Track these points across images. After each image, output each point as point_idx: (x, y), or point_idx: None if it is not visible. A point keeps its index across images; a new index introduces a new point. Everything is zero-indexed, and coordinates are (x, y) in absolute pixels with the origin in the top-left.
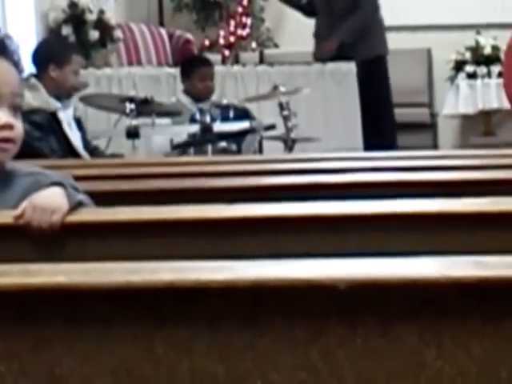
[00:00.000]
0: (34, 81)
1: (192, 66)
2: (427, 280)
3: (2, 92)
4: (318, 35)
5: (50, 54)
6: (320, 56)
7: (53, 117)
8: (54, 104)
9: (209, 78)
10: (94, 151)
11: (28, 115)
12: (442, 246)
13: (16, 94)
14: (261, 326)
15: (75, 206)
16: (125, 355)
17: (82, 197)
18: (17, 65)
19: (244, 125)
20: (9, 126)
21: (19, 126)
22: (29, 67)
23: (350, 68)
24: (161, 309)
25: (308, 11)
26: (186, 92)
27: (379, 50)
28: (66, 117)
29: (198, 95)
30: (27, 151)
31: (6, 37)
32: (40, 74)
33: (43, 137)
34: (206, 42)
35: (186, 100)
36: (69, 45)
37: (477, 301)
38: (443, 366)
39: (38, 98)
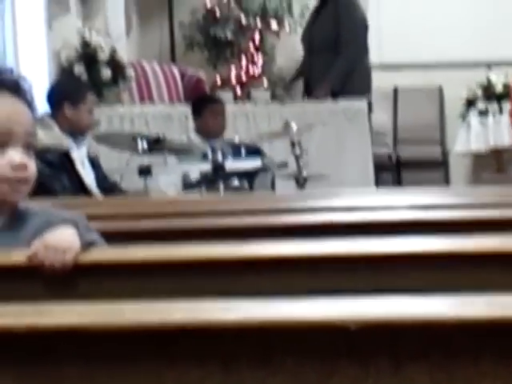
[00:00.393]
0: (47, 120)
1: (203, 104)
2: (438, 320)
3: (16, 131)
4: (301, 72)
5: (64, 93)
6: (314, 99)
7: (65, 156)
8: (67, 143)
9: (220, 115)
10: (113, 187)
11: (40, 154)
12: (454, 284)
13: (30, 134)
14: (273, 365)
15: (87, 246)
16: None
17: (94, 236)
18: (30, 105)
19: (256, 163)
20: (23, 167)
21: (33, 166)
22: (42, 106)
23: (361, 105)
24: (173, 349)
25: None
26: (198, 130)
27: (360, 94)
28: (79, 155)
29: (210, 132)
30: (39, 189)
31: (20, 77)
32: (55, 114)
33: (55, 175)
34: (218, 80)
35: (197, 138)
36: (83, 84)
37: (488, 341)
38: None
39: (51, 136)
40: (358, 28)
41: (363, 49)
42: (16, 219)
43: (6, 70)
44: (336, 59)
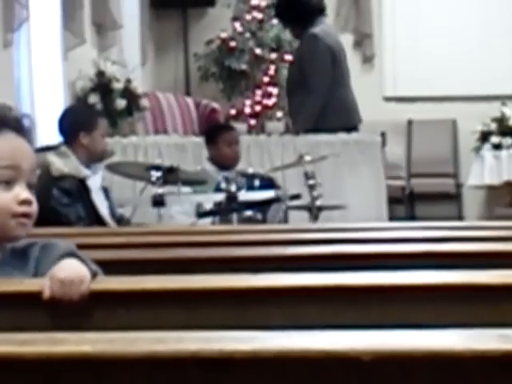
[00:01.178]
0: (64, 148)
1: (217, 133)
2: (451, 353)
3: (23, 168)
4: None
5: (78, 122)
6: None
7: (82, 184)
8: (84, 171)
9: (235, 143)
10: (120, 220)
11: (58, 181)
12: (467, 318)
13: (33, 171)
14: None
15: (94, 275)
16: None
17: (93, 266)
18: (31, 142)
19: (269, 194)
20: (29, 202)
21: (35, 202)
22: (57, 136)
23: (374, 138)
24: (185, 378)
25: None
26: (212, 160)
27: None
28: (94, 184)
29: (225, 162)
30: (54, 217)
31: (25, 115)
32: (70, 143)
33: (71, 203)
34: (232, 111)
35: (211, 168)
36: (93, 110)
37: (501, 374)
38: None
39: (69, 164)
40: (320, 61)
41: (332, 81)
42: (21, 253)
43: (5, 107)
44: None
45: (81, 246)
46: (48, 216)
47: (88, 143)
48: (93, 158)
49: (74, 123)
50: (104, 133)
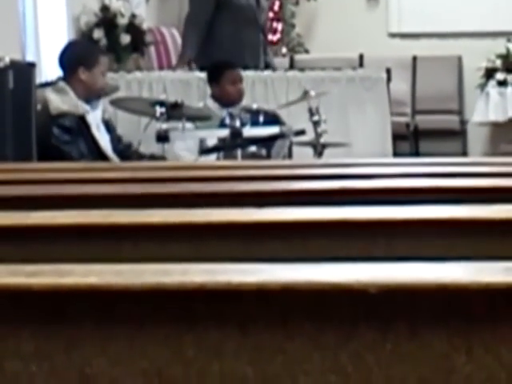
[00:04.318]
0: (62, 84)
1: (220, 71)
2: (457, 285)
3: None
4: None
5: (78, 57)
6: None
7: (81, 120)
8: (82, 107)
9: (238, 81)
10: (127, 149)
11: (57, 119)
12: (471, 252)
13: None
14: (291, 329)
15: None
16: (155, 357)
17: None
18: None
19: (274, 130)
20: None
21: None
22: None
23: (379, 74)
24: (191, 311)
25: None
26: (214, 97)
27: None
28: (94, 119)
29: (228, 100)
30: (57, 155)
31: None
32: (68, 78)
33: (72, 140)
34: None
35: (213, 105)
36: (95, 46)
37: (506, 307)
38: (472, 372)
39: (67, 101)
40: None
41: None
42: None
43: None
44: None
45: (85, 181)
46: (50, 154)
47: (87, 79)
48: (91, 95)
49: (74, 58)
50: (105, 70)
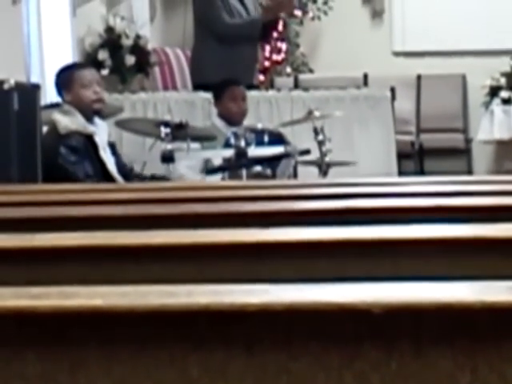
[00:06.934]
0: (67, 107)
1: (222, 88)
2: (461, 304)
3: None
4: None
5: (57, 83)
6: None
7: (89, 141)
8: (90, 127)
9: (240, 98)
10: (130, 173)
11: (64, 139)
12: (476, 271)
13: None
14: (296, 349)
15: None
16: (160, 378)
17: None
18: None
19: (279, 149)
20: None
21: None
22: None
23: (383, 93)
24: (196, 332)
25: None
26: (220, 115)
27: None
28: (101, 141)
29: (232, 117)
30: (62, 175)
31: None
32: (64, 103)
33: (78, 161)
34: None
35: (220, 123)
36: (71, 65)
37: (511, 326)
38: None
39: (75, 121)
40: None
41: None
42: None
43: None
44: None
45: (89, 203)
46: (56, 174)
47: (72, 99)
48: (86, 112)
49: (56, 85)
50: (85, 82)
